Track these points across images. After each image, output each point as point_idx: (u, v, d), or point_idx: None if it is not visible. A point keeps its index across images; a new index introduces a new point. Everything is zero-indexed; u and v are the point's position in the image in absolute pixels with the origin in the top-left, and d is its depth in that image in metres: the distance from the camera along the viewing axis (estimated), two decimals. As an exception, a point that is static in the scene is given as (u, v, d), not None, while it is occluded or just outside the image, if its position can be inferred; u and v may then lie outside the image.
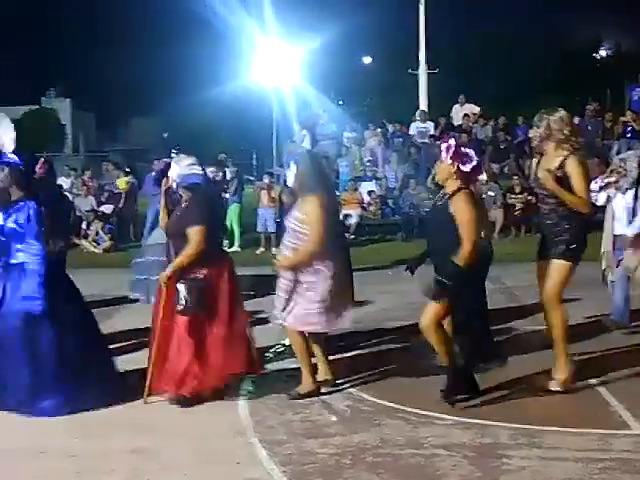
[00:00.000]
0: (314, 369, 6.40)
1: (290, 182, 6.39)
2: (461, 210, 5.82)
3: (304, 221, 6.11)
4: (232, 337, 6.25)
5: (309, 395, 6.26)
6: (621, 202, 8.02)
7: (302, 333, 6.27)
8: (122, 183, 18.02)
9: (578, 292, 7.83)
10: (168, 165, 9.88)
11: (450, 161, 5.92)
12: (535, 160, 6.51)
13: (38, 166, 6.65)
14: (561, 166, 6.09)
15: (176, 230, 6.34)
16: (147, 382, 6.20)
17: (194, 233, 6.15)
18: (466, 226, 5.79)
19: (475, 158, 6.00)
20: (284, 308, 6.20)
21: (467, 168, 5.93)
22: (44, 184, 6.78)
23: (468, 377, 6.10)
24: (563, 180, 6.07)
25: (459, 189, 5.91)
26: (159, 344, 6.21)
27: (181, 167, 6.43)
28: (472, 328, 6.59)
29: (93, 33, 34.75)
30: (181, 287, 6.08)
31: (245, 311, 6.56)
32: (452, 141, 6.03)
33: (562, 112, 6.26)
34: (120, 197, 17.90)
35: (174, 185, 6.54)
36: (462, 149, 6.01)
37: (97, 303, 8.53)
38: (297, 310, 6.15)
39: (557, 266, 6.16)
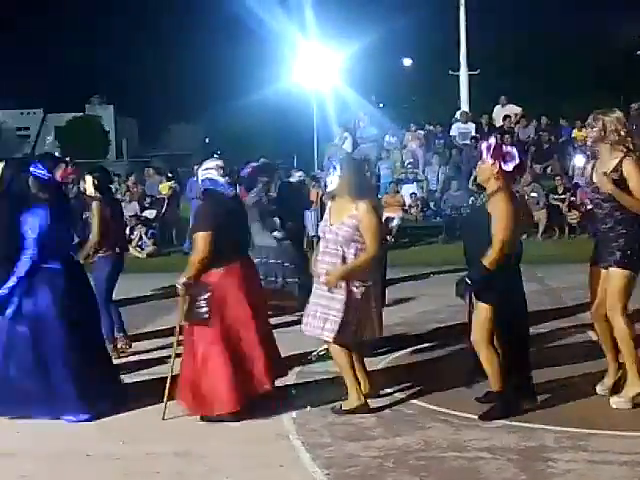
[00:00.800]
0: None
1: (331, 186, 6.18)
2: (499, 209, 5.66)
3: (357, 227, 5.90)
4: (247, 351, 6.01)
5: (354, 412, 5.99)
6: None
7: (345, 346, 6.04)
8: (165, 188, 18.20)
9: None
10: (254, 170, 9.93)
11: (491, 160, 5.75)
12: (590, 164, 6.31)
13: (61, 172, 6.70)
14: (617, 168, 5.82)
15: (192, 235, 6.29)
16: (166, 393, 6.06)
17: (197, 240, 6.02)
18: (499, 225, 5.61)
19: (517, 156, 5.83)
20: (323, 322, 5.94)
21: (509, 167, 5.76)
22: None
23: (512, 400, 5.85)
24: (619, 183, 5.80)
25: (499, 189, 5.75)
26: (184, 357, 6.10)
27: (200, 171, 6.31)
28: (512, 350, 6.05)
29: (135, 41, 35.17)
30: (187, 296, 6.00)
31: (264, 319, 6.36)
32: (493, 140, 5.90)
33: (618, 112, 5.99)
34: (163, 202, 18.07)
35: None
36: (504, 147, 5.88)
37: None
38: (334, 323, 5.89)
39: (614, 274, 5.87)
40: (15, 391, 6.06)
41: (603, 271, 5.98)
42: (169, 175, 19.08)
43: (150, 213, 18.08)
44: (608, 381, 6.15)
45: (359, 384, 6.09)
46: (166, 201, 18.02)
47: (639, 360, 5.91)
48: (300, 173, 11.45)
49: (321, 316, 5.93)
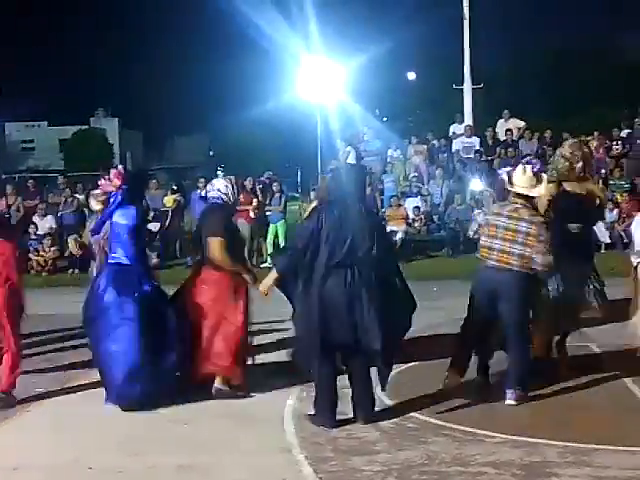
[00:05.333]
0: None
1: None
2: None
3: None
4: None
5: None
6: None
7: None
8: (170, 201, 18.21)
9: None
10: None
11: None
12: None
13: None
14: None
15: None
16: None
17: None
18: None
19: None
20: None
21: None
22: None
23: None
24: None
25: None
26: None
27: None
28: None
29: (140, 53, 35.28)
30: None
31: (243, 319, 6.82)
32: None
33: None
34: (166, 215, 18.07)
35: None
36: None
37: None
38: None
39: None
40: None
41: None
42: (174, 188, 19.10)
43: (154, 226, 18.06)
44: None
45: None
46: (170, 214, 18.02)
47: None
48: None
49: None
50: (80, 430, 6.13)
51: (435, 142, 21.29)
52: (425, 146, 20.62)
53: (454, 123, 22.01)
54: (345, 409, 6.27)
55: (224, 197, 6.94)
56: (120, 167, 7.23)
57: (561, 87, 32.82)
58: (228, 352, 6.69)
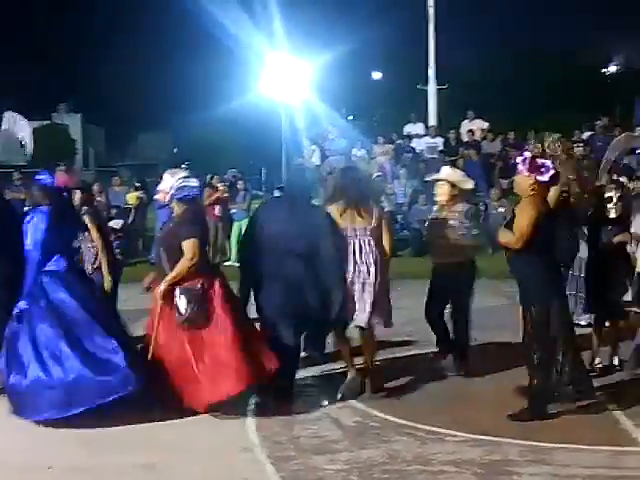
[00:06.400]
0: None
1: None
2: (522, 210, 6.00)
3: None
4: (243, 345, 6.17)
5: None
6: None
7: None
8: (133, 198, 18.06)
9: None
10: None
11: (528, 173, 6.01)
12: None
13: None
14: None
15: (170, 243, 6.38)
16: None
17: (188, 246, 6.21)
18: (521, 221, 5.93)
19: (551, 167, 6.07)
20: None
21: (545, 178, 6.01)
22: None
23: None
24: None
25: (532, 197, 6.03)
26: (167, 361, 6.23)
27: (175, 180, 6.45)
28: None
29: (103, 48, 34.91)
30: (182, 297, 6.13)
31: (249, 320, 6.55)
32: (528, 153, 6.21)
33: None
34: (129, 212, 17.93)
35: (167, 198, 6.51)
36: (539, 160, 6.10)
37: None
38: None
39: None
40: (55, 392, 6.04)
41: None
42: (137, 185, 18.93)
43: (116, 223, 17.91)
44: None
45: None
46: (133, 211, 17.88)
47: None
48: None
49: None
50: (37, 430, 6.02)
51: (400, 142, 21.39)
52: (391, 146, 20.68)
53: (409, 123, 22.20)
54: (307, 408, 6.28)
55: (196, 191, 6.58)
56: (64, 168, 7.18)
57: (526, 89, 33.06)
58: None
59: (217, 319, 6.18)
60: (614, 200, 7.25)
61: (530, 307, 5.99)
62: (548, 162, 6.10)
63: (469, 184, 7.60)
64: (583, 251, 7.77)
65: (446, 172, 7.57)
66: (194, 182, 6.49)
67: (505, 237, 6.00)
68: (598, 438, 5.59)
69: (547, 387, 5.98)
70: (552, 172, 6.02)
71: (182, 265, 6.20)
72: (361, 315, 6.62)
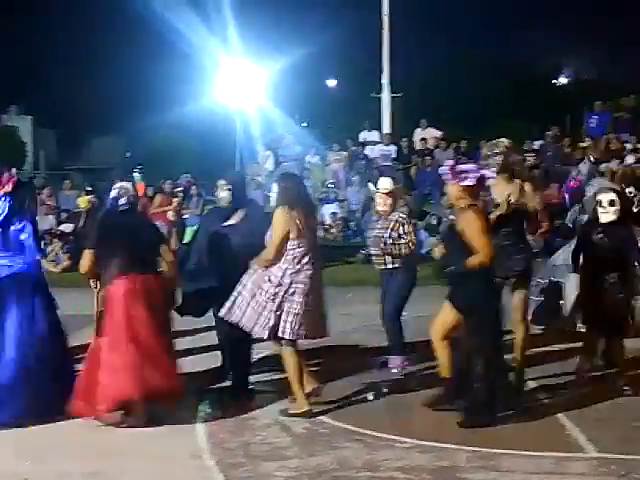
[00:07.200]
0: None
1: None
2: (469, 224, 5.96)
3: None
4: (153, 353, 6.12)
5: (303, 415, 6.25)
6: None
7: (296, 348, 6.34)
8: (84, 202, 17.82)
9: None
10: None
11: (453, 181, 6.10)
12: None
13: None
14: None
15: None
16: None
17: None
18: (477, 238, 5.92)
19: (475, 171, 6.12)
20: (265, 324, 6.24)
21: (469, 182, 6.06)
22: None
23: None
24: None
25: (467, 206, 6.05)
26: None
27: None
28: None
29: (55, 50, 34.47)
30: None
31: (169, 330, 6.45)
32: (449, 162, 6.35)
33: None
34: (80, 216, 17.70)
35: None
36: (459, 167, 6.18)
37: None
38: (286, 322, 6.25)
39: None
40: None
41: None
42: (88, 189, 18.71)
43: (66, 227, 17.69)
44: None
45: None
46: (84, 215, 17.65)
47: None
48: None
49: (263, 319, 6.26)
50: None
51: (354, 148, 21.48)
52: (345, 153, 20.77)
53: (364, 130, 22.34)
54: (257, 414, 6.26)
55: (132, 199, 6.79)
56: (13, 171, 7.10)
57: (479, 98, 33.42)
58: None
59: (134, 323, 6.13)
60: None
61: (468, 315, 6.05)
62: (470, 166, 6.22)
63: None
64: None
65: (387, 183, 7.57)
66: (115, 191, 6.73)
67: (474, 261, 5.94)
68: (544, 444, 5.66)
69: (492, 394, 6.02)
70: (476, 175, 6.09)
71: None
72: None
